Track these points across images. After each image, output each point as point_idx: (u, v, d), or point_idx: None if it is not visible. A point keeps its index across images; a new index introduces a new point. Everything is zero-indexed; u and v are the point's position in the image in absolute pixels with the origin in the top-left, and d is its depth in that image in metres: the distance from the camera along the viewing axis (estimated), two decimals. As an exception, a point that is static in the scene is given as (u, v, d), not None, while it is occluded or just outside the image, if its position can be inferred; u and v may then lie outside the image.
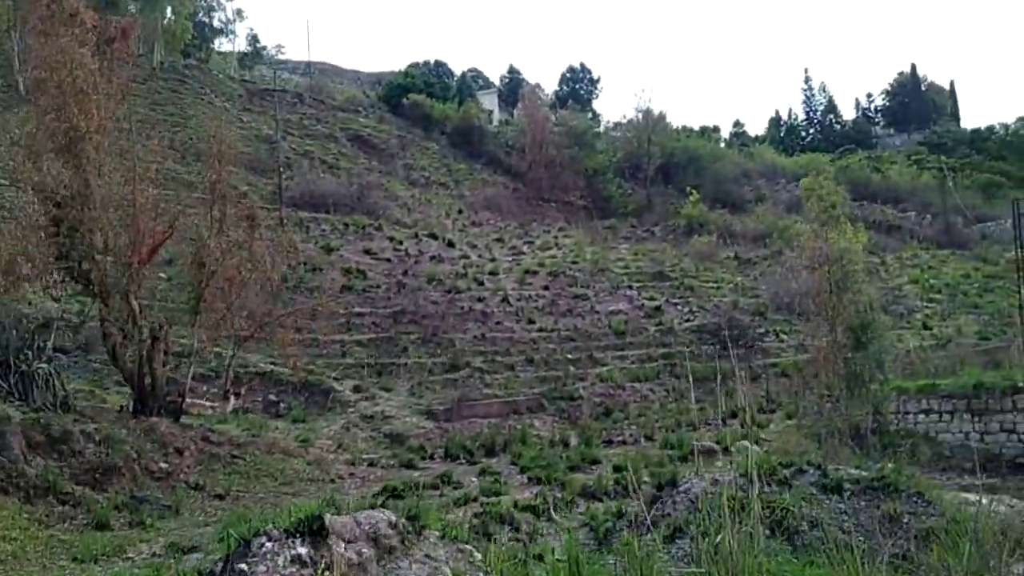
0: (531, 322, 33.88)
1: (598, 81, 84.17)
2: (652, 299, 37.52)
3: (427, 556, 8.25)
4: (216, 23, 77.23)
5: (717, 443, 22.99)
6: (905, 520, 12.28)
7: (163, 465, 15.40)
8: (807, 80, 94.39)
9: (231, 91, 60.47)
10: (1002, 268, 43.64)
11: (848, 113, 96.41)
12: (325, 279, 34.20)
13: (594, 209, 61.69)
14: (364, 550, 7.68)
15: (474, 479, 17.99)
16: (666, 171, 65.69)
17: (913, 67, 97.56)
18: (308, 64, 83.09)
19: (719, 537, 6.44)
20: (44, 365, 14.97)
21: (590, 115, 79.02)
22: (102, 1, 54.72)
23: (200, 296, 17.12)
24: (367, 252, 39.14)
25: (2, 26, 41.46)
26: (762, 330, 34.57)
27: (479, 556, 9.08)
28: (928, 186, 64.85)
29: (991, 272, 45.84)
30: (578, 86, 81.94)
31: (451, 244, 43.17)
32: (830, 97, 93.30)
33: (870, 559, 10.54)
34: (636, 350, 32.18)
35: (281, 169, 44.73)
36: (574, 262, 42.02)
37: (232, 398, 19.31)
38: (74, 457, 14.00)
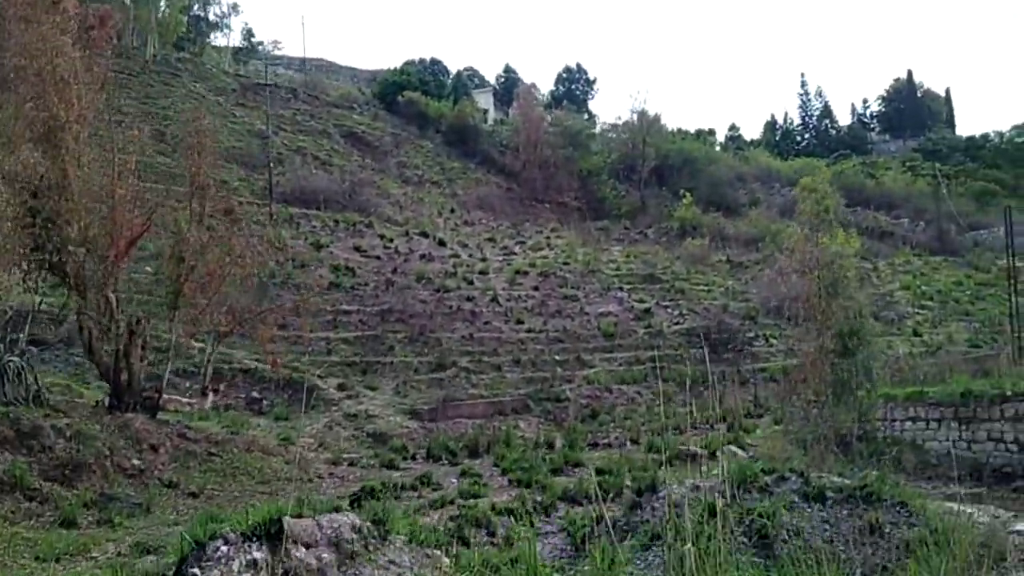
0: (520, 322, 33.65)
1: (594, 82, 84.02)
2: (642, 301, 37.33)
3: (391, 562, 8.00)
4: (212, 17, 76.86)
5: (703, 447, 22.83)
6: (887, 530, 12.08)
7: (136, 462, 15.13)
8: (803, 85, 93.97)
9: (224, 85, 60.08)
10: (994, 276, 43.60)
11: (844, 118, 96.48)
12: (312, 276, 33.87)
13: (588, 210, 61.44)
14: (324, 555, 7.43)
15: (454, 480, 17.76)
16: (660, 173, 65.52)
17: (909, 73, 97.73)
18: (303, 60, 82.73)
19: (684, 547, 6.23)
20: (15, 358, 14.70)
21: (586, 116, 78.79)
22: (96, -7, 54.65)
23: (179, 291, 16.85)
24: (357, 249, 38.90)
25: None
26: (752, 334, 34.40)
27: (447, 562, 8.85)
28: (922, 193, 64.77)
29: (983, 280, 45.77)
30: (574, 86, 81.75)
31: (442, 243, 42.93)
32: (826, 102, 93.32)
33: (848, 570, 10.32)
34: (624, 352, 31.97)
35: (272, 164, 44.43)
36: (565, 263, 41.82)
37: (211, 394, 19.03)
38: (43, 453, 13.73)
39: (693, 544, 6.28)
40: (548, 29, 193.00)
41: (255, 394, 25.18)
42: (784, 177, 66.32)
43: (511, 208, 58.01)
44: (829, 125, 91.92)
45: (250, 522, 7.21)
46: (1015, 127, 77.54)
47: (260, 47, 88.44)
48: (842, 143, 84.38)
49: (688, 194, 56.07)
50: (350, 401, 25.29)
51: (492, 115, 76.52)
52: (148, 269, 23.73)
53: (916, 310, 40.06)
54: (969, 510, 15.42)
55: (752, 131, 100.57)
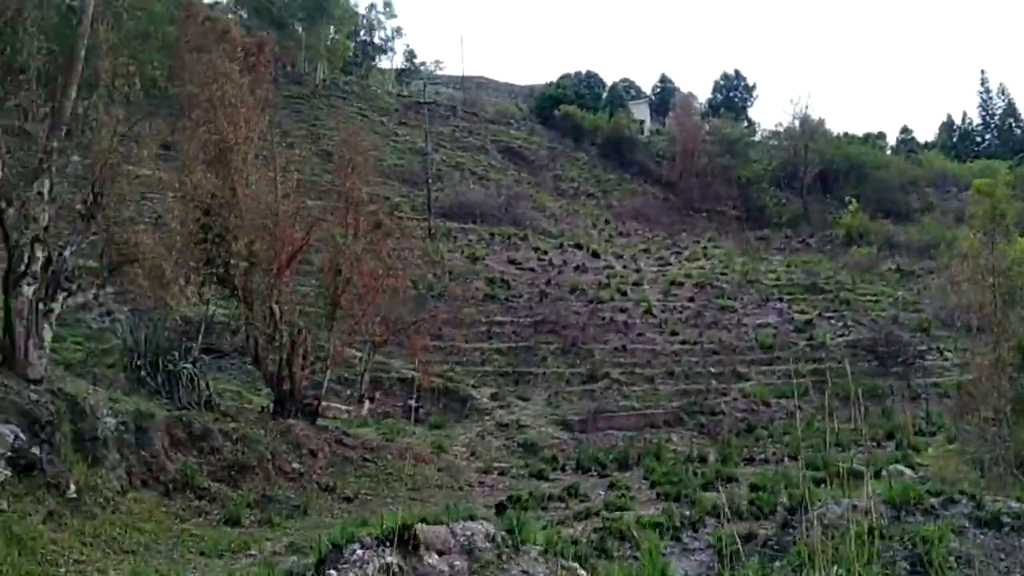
0: (674, 334, 33.10)
1: (753, 88, 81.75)
2: (803, 312, 35.89)
3: (525, 572, 8.02)
4: (376, 40, 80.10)
5: (867, 466, 21.68)
6: (1069, 561, 11.07)
7: (296, 465, 15.87)
8: (984, 82, 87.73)
9: (387, 106, 62.51)
10: None
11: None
12: (465, 288, 34.58)
13: (746, 219, 59.90)
14: (457, 562, 7.55)
15: (601, 492, 17.63)
16: (824, 180, 63.07)
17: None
18: (462, 78, 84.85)
19: (837, 572, 5.85)
20: (189, 366, 15.75)
21: (745, 123, 76.82)
22: (270, 22, 58.17)
23: (336, 302, 17.61)
24: (512, 262, 39.43)
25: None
26: (924, 347, 32.42)
27: (584, 574, 8.79)
28: (1123, 194, 59.21)
29: None
30: (732, 94, 79.83)
31: (596, 254, 42.88)
32: (1010, 100, 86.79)
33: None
34: (783, 365, 30.81)
35: (431, 180, 45.75)
36: (722, 273, 40.84)
37: (367, 402, 19.74)
38: (212, 454, 14.61)
39: (848, 569, 5.94)
40: (705, 37, 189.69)
41: (411, 402, 25.92)
42: (961, 181, 62.09)
43: (667, 218, 57.33)
44: (1013, 124, 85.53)
45: (385, 527, 7.42)
46: None
47: (422, 67, 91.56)
48: (1029, 143, 78.31)
49: (854, 200, 53.60)
50: (502, 411, 25.61)
51: (648, 126, 75.88)
52: (314, 282, 24.85)
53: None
54: None
55: (926, 133, 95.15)
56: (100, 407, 12.67)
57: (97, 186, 12.73)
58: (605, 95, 79.24)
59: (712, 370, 30.09)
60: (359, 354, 23.17)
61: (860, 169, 63.28)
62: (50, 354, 13.46)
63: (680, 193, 61.77)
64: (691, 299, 37.14)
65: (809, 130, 63.63)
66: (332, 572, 7.00)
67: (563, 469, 21.01)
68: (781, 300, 37.57)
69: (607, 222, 53.32)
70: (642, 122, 74.61)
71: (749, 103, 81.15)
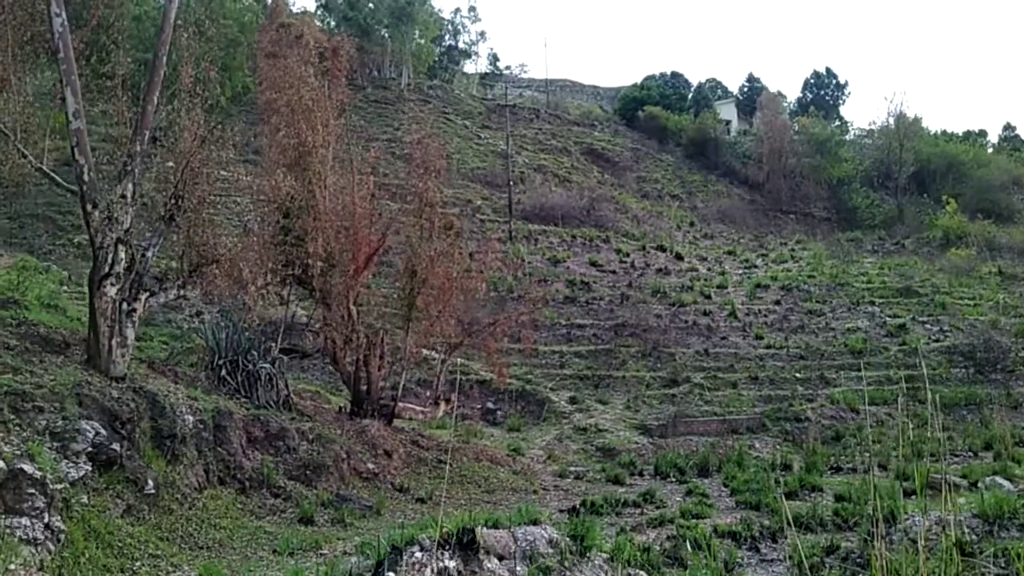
0: (759, 338, 32.31)
1: (845, 86, 79.34)
2: (896, 316, 34.58)
3: (588, 579, 7.83)
4: (461, 45, 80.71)
5: (963, 477, 20.72)
6: None
7: (370, 466, 15.95)
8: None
9: (471, 109, 62.87)
10: None
11: None
12: (542, 289, 34.45)
13: (837, 221, 58.33)
14: (517, 568, 7.40)
15: (679, 499, 17.24)
16: (920, 179, 60.99)
17: None
18: (547, 81, 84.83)
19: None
20: (267, 366, 16.00)
21: (836, 122, 74.69)
22: (357, 29, 59.21)
23: (412, 303, 17.67)
24: (593, 264, 39.14)
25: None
26: (1026, 353, 30.89)
27: (651, 583, 8.54)
28: None
29: None
30: (823, 92, 77.67)
31: (679, 256, 42.25)
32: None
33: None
34: (874, 371, 29.72)
35: (512, 183, 45.77)
36: (811, 276, 39.74)
37: (443, 404, 19.75)
38: (288, 453, 14.79)
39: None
40: (795, 35, 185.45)
41: (490, 405, 25.93)
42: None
43: (753, 220, 56.18)
44: None
45: (445, 530, 7.31)
46: None
47: (506, 71, 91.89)
48: None
49: (952, 201, 51.58)
50: (580, 415, 25.36)
51: (735, 126, 74.53)
52: (393, 284, 25.11)
53: None
54: None
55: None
56: (180, 405, 12.95)
57: (178, 188, 13.02)
58: (691, 95, 78.14)
59: (798, 375, 29.23)
60: (438, 356, 23.30)
61: (959, 168, 61.01)
62: (134, 353, 13.84)
63: (767, 194, 60.52)
64: (777, 302, 36.24)
65: (904, 128, 61.62)
66: (391, 574, 6.93)
67: (640, 474, 20.65)
68: (873, 304, 36.31)
69: (691, 224, 52.52)
70: (728, 122, 73.32)
71: (841, 101, 78.88)
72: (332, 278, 17.16)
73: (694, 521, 14.34)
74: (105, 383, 12.03)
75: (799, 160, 61.06)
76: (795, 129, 65.22)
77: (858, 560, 12.80)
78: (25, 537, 8.47)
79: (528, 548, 7.62)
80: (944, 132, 74.46)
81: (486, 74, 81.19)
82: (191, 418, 13.02)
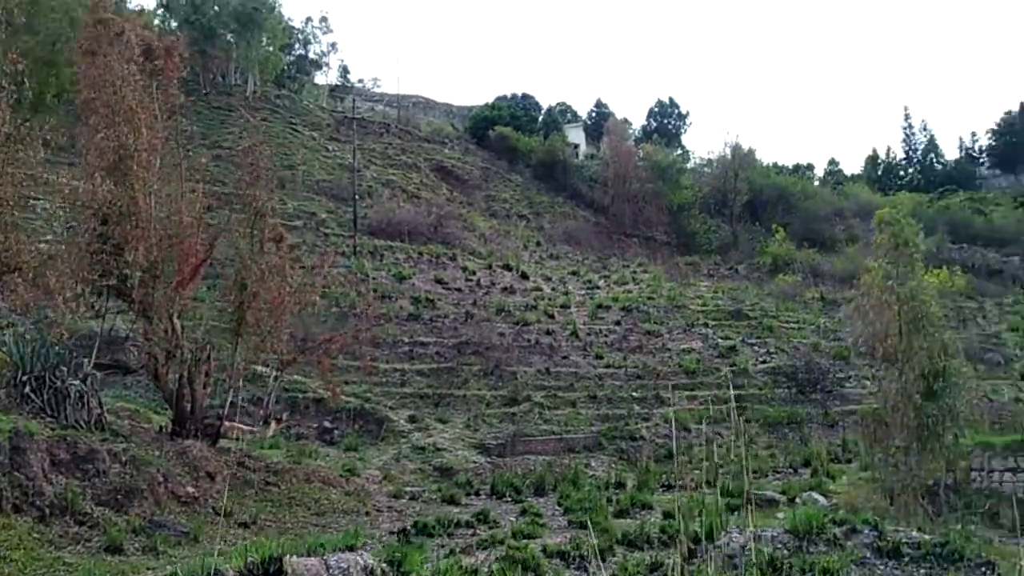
0: (599, 357, 32.93)
1: (687, 116, 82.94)
2: (727, 338, 36.09)
3: (403, 607, 7.53)
4: (311, 55, 79.12)
5: (782, 493, 21.67)
6: (968, 594, 10.99)
7: (190, 489, 15.09)
8: (907, 118, 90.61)
9: (319, 120, 61.63)
10: (1113, 318, 40.71)
11: (951, 153, 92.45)
12: (392, 307, 34.00)
13: (677, 245, 60.51)
14: (326, 598, 7.02)
15: (513, 519, 17.19)
16: (754, 208, 64.22)
17: (1022, 105, 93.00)
18: (399, 97, 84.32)
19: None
20: (77, 383, 14.87)
21: (678, 150, 77.82)
22: (200, 32, 56.97)
23: (242, 318, 16.89)
24: (439, 281, 38.89)
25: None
26: (843, 375, 32.83)
27: (470, 609, 8.33)
28: (1035, 229, 61.37)
29: (1100, 322, 42.76)
30: (666, 120, 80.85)
31: (524, 276, 42.61)
32: (931, 136, 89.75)
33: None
34: (706, 391, 30.84)
35: (360, 197, 44.99)
36: (650, 298, 40.94)
37: (273, 423, 18.98)
38: (98, 477, 13.77)
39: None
40: (641, 65, 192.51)
41: (327, 424, 25.17)
42: (909, 219, 63.77)
43: (598, 242, 57.48)
44: (935, 159, 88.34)
45: (249, 559, 6.86)
46: None
47: (360, 84, 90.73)
48: (948, 178, 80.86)
49: (781, 229, 54.56)
50: (420, 434, 25.02)
51: (583, 150, 76.32)
52: (221, 297, 24.07)
53: (1024, 352, 37.63)
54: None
55: (853, 166, 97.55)
56: (-31, 425, 11.81)
57: (-24, 188, 11.93)
58: (541, 118, 79.50)
59: (635, 394, 29.95)
60: (273, 372, 22.43)
61: (788, 199, 64.66)
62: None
63: (612, 217, 62.09)
64: (617, 323, 37.08)
65: (739, 159, 64.70)
66: (184, 610, 6.41)
67: (477, 494, 20.54)
68: (706, 326, 37.76)
69: (538, 244, 53.17)
70: (577, 146, 74.98)
71: (683, 131, 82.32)
72: (155, 290, 16.18)
73: (525, 541, 14.27)
74: None
75: (642, 185, 62.98)
76: (639, 155, 67.36)
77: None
78: None
79: (340, 577, 7.26)
80: (775, 165, 78.91)
81: (336, 86, 79.92)
82: (-18, 439, 11.90)
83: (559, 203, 63.31)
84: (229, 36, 60.45)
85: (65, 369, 14.95)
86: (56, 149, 15.24)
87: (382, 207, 47.27)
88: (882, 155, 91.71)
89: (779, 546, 11.99)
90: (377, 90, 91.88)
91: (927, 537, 12.16)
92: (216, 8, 59.73)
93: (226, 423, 17.89)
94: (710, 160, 71.45)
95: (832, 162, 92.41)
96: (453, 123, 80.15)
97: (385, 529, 15.85)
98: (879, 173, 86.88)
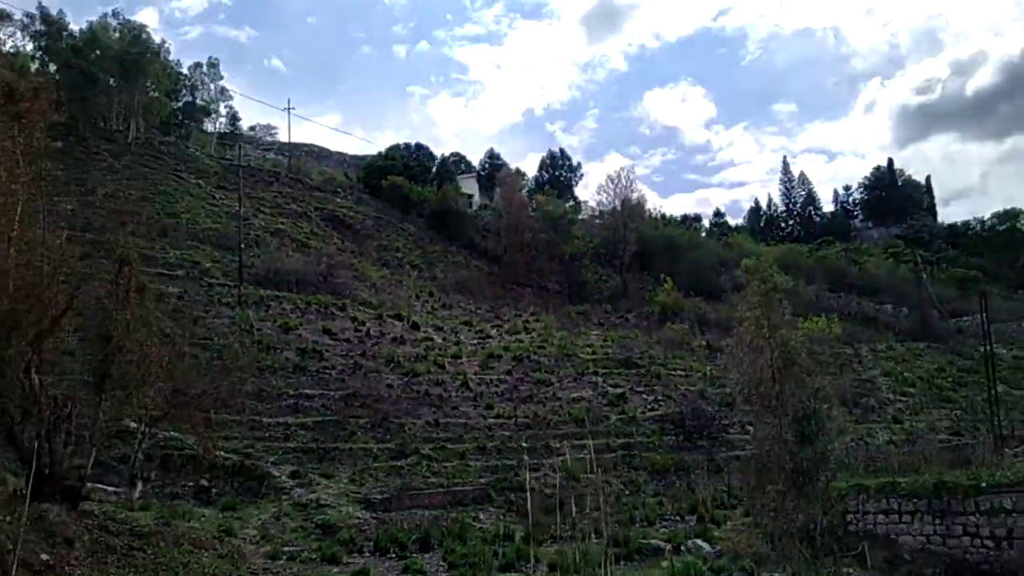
0: (489, 408, 32.72)
1: (578, 168, 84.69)
2: (617, 386, 36.46)
3: None
4: (200, 101, 77.55)
5: (668, 541, 21.77)
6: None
7: (45, 557, 14.04)
8: (786, 171, 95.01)
9: (207, 168, 60.23)
10: (976, 362, 42.97)
11: (827, 205, 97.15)
12: (278, 358, 33.06)
13: (569, 294, 61.20)
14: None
15: (394, 577, 16.67)
16: (643, 258, 65.57)
17: (890, 161, 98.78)
18: (291, 145, 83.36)
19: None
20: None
21: (571, 201, 79.18)
22: (81, 77, 55.12)
23: (106, 372, 15.97)
24: (327, 332, 38.06)
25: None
26: (727, 421, 33.48)
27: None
28: (905, 279, 64.77)
29: (965, 366, 45.14)
30: (558, 172, 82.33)
31: (415, 326, 42.18)
32: (810, 189, 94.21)
33: None
34: (595, 439, 30.82)
35: (247, 246, 43.91)
36: (541, 347, 41.07)
37: (139, 483, 17.97)
38: (-63, 547, 12.69)
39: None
40: (532, 115, 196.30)
41: (204, 482, 24.07)
42: (775, 266, 66.22)
43: (491, 292, 57.58)
44: (813, 212, 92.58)
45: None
46: (995, 215, 77.96)
47: (252, 132, 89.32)
48: (826, 229, 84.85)
49: (669, 279, 55.82)
50: (302, 489, 24.15)
51: (476, 200, 76.89)
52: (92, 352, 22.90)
53: (898, 397, 39.26)
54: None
55: (737, 217, 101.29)
56: None
57: None
58: (434, 168, 79.83)
59: (524, 445, 29.73)
60: (149, 428, 21.32)
61: (676, 249, 66.40)
62: None
63: (505, 267, 62.44)
64: (508, 372, 36.99)
65: (628, 210, 66.14)
66: None
67: (360, 551, 19.90)
68: (596, 374, 38.06)
69: (431, 294, 52.87)
70: (470, 196, 75.51)
71: (574, 182, 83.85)
72: (10, 343, 15.16)
73: (403, 602, 13.82)
74: None
75: (535, 235, 63.71)
76: (532, 206, 68.23)
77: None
78: None
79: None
80: (664, 215, 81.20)
81: (226, 133, 78.42)
82: None
83: (452, 253, 63.37)
84: (111, 81, 58.71)
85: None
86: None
87: (270, 256, 46.27)
88: (764, 207, 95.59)
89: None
90: (270, 139, 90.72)
91: (801, 582, 12.28)
92: (98, 52, 57.97)
93: (89, 484, 16.81)
94: (602, 211, 72.98)
95: (718, 213, 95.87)
96: (347, 173, 79.64)
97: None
98: (762, 224, 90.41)
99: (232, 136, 78.89)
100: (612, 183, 66.90)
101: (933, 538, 19.14)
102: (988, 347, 30.74)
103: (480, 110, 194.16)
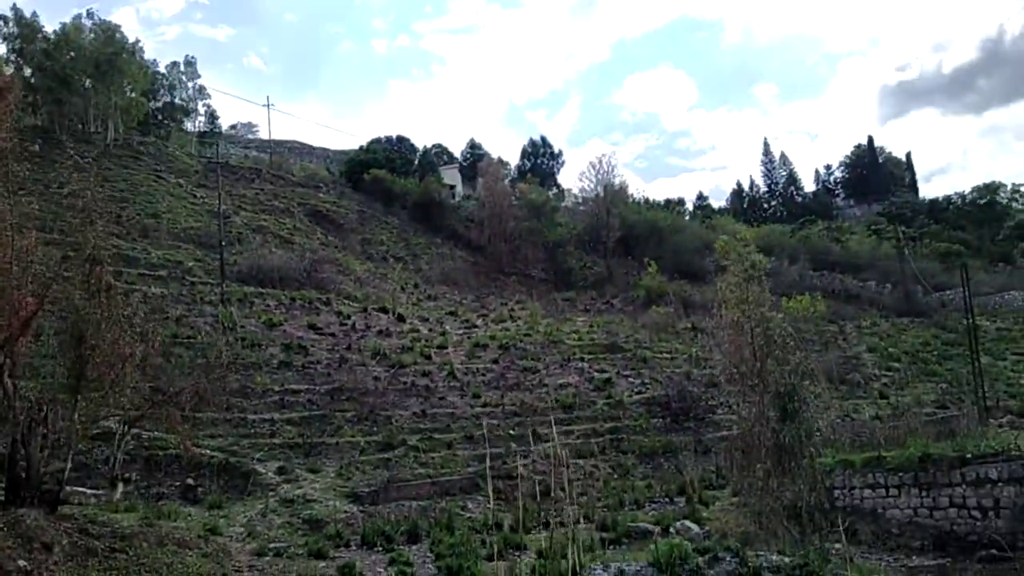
0: (476, 397, 32.62)
1: (559, 155, 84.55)
2: (603, 371, 36.41)
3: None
4: (178, 100, 77.07)
5: (656, 523, 21.75)
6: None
7: (22, 563, 13.85)
8: (767, 152, 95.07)
9: (187, 167, 59.78)
10: (960, 335, 43.15)
11: (809, 185, 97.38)
12: (263, 354, 32.88)
13: (554, 281, 61.11)
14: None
15: (381, 571, 16.56)
16: (627, 243, 65.49)
17: (870, 139, 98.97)
18: (272, 142, 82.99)
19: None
20: None
21: (554, 188, 79.10)
22: (55, 79, 54.55)
23: (80, 373, 15.77)
24: (312, 327, 37.85)
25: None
26: (714, 401, 33.48)
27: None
28: (888, 255, 64.90)
29: (950, 340, 45.30)
30: (539, 160, 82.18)
31: (401, 318, 42.01)
32: (791, 169, 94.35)
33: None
34: (583, 424, 30.94)
35: (229, 243, 43.59)
36: (527, 335, 40.95)
37: (120, 484, 17.78)
38: (-90, 556, 12.51)
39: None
40: (513, 104, 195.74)
41: (190, 481, 23.88)
42: (753, 244, 66.30)
43: (476, 282, 57.47)
44: (795, 192, 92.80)
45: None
46: (975, 188, 78.21)
47: (233, 130, 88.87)
48: (808, 209, 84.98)
49: (653, 263, 55.78)
50: (289, 485, 23.98)
51: (459, 190, 76.70)
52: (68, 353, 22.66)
53: (883, 372, 39.36)
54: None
55: (721, 199, 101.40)
56: None
57: None
58: (416, 160, 79.55)
59: (512, 432, 29.65)
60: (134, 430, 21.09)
61: (660, 233, 66.29)
62: None
63: (489, 257, 62.33)
64: (495, 361, 36.87)
65: (611, 195, 66.04)
66: None
67: (347, 545, 19.77)
68: (582, 360, 38.00)
69: (416, 286, 52.70)
70: (453, 187, 75.32)
71: (556, 169, 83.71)
72: (-19, 347, 14.95)
73: (388, 594, 13.72)
74: None
75: (519, 224, 63.61)
76: (515, 195, 68.07)
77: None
78: None
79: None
80: (647, 200, 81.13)
81: (205, 132, 77.92)
82: None
83: (436, 244, 63.17)
84: (87, 82, 58.10)
85: None
86: None
87: (253, 253, 46.01)
88: (747, 188, 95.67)
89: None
90: (251, 136, 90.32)
91: (787, 560, 12.26)
92: (72, 54, 57.29)
93: (68, 488, 16.62)
94: (584, 198, 72.86)
95: (701, 196, 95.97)
96: (330, 168, 79.26)
97: (242, 591, 14.98)
98: (744, 206, 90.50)
99: (212, 135, 78.44)
100: (594, 169, 66.79)
101: (920, 511, 19.18)
102: (971, 320, 30.82)
103: (461, 101, 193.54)
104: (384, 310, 42.74)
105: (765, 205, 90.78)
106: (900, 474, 19.63)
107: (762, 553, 12.79)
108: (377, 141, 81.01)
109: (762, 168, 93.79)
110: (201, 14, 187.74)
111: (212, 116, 79.24)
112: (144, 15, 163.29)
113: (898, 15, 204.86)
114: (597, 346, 40.27)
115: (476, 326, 43.77)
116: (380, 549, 19.20)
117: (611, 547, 19.80)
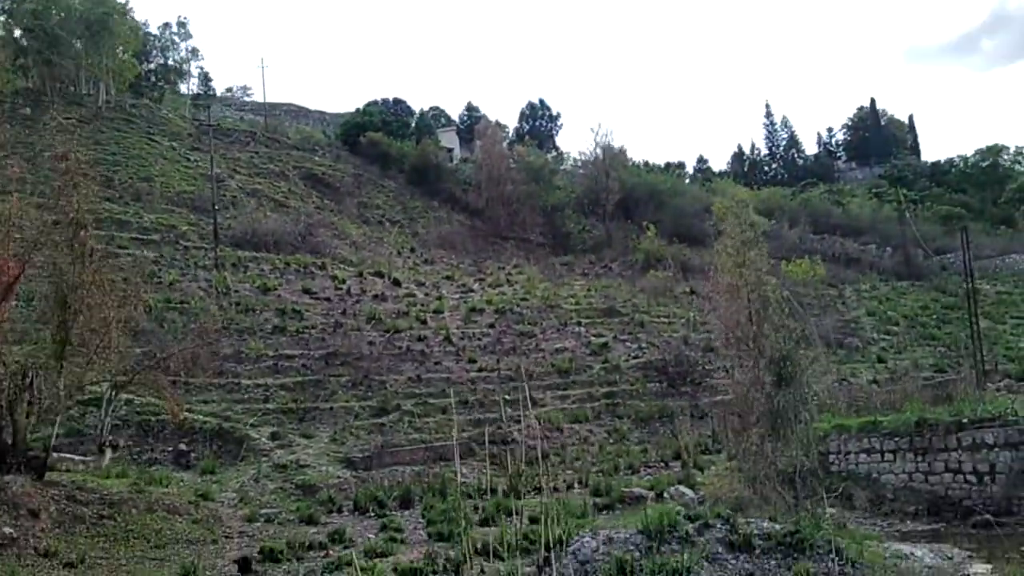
0: (472, 361, 32.46)
1: (558, 117, 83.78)
2: (600, 336, 36.21)
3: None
4: (171, 62, 76.12)
5: (650, 488, 21.65)
6: (816, 582, 10.91)
7: (8, 530, 13.76)
8: (768, 115, 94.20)
9: (180, 130, 59.11)
10: (960, 299, 42.87)
11: (810, 148, 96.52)
12: (257, 319, 32.68)
13: (552, 245, 60.64)
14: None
15: (371, 536, 16.45)
16: (626, 206, 64.90)
17: (872, 102, 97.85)
18: (266, 104, 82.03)
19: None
20: None
21: (552, 151, 78.35)
22: (44, 40, 53.78)
23: (65, 339, 15.55)
24: (306, 291, 37.64)
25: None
26: (711, 366, 33.31)
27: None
28: (888, 219, 64.44)
29: (950, 303, 45.07)
30: (538, 123, 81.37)
31: (397, 283, 41.73)
32: (792, 132, 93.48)
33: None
34: (579, 389, 30.82)
35: (217, 206, 43.09)
36: (524, 299, 40.70)
37: (108, 450, 17.63)
38: None
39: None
40: (511, 66, 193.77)
41: (183, 447, 23.76)
42: (753, 207, 65.84)
43: (473, 245, 57.04)
44: (796, 154, 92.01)
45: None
46: (978, 151, 77.48)
47: (228, 93, 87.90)
48: (809, 172, 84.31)
49: (652, 226, 55.34)
50: (282, 451, 23.91)
51: (457, 153, 75.93)
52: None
53: (881, 336, 39.18)
54: (919, 552, 14.29)
55: (720, 162, 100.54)
56: None
57: None
58: (413, 122, 78.69)
59: (507, 397, 29.49)
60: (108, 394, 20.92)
61: (659, 196, 65.64)
62: None
63: (487, 220, 61.77)
64: (491, 325, 36.68)
65: (610, 158, 65.34)
66: None
67: (339, 511, 19.71)
68: (579, 324, 37.78)
69: (412, 250, 52.34)
70: (450, 150, 74.53)
71: (555, 132, 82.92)
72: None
73: (376, 561, 13.58)
74: None
75: (516, 187, 62.90)
76: (513, 158, 67.34)
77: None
78: None
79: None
80: (647, 163, 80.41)
81: (199, 95, 77.03)
82: None
83: (433, 208, 62.63)
84: (77, 43, 57.27)
85: None
86: None
87: (247, 217, 45.58)
88: (748, 151, 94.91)
89: (631, 547, 11.66)
90: (247, 99, 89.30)
91: (778, 527, 12.09)
92: (61, 15, 56.39)
93: (55, 454, 16.48)
94: (584, 161, 72.17)
95: (701, 160, 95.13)
96: (325, 131, 78.47)
97: (231, 557, 14.88)
98: (745, 169, 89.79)
99: (206, 97, 77.55)
100: (593, 132, 66.03)
101: (915, 475, 19.04)
102: (970, 283, 30.58)
103: (460, 62, 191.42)
104: (380, 274, 42.46)
105: (766, 168, 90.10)
106: (896, 439, 19.46)
107: (753, 520, 12.62)
108: (374, 103, 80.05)
109: (764, 130, 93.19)
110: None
111: (206, 78, 78.35)
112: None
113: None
114: (594, 310, 40.06)
115: (473, 290, 43.49)
116: (372, 514, 19.14)
117: (604, 512, 19.73)
